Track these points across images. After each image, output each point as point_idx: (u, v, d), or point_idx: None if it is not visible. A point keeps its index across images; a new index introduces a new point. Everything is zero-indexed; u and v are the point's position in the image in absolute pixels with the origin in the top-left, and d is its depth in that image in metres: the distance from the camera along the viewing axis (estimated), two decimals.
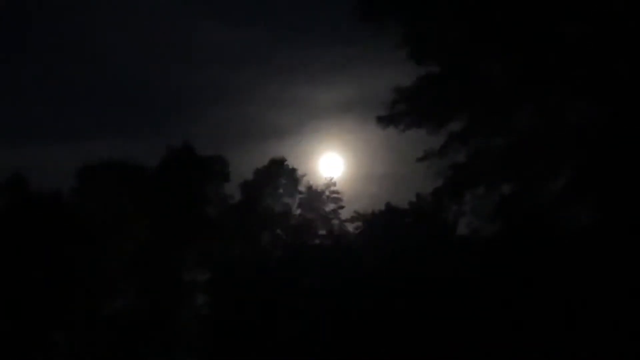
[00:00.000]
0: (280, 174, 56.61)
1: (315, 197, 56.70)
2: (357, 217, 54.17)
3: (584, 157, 32.65)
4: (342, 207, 56.65)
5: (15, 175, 52.52)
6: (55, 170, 59.21)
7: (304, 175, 56.89)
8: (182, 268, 53.75)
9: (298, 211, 56.64)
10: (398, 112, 36.79)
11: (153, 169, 54.61)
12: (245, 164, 57.25)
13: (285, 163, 56.65)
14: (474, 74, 35.04)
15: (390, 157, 59.71)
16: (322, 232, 55.98)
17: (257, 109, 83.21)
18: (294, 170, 56.67)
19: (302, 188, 56.79)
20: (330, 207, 56.83)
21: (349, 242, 52.76)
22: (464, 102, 35.85)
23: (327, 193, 56.87)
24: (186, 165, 54.75)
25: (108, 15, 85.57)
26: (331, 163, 62.62)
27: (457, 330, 38.39)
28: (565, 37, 32.18)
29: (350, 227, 55.12)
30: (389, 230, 48.97)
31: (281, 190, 56.77)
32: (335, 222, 56.37)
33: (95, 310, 51.16)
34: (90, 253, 50.69)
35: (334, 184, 57.18)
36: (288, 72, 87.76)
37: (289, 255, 53.25)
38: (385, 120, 37.12)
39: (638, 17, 30.38)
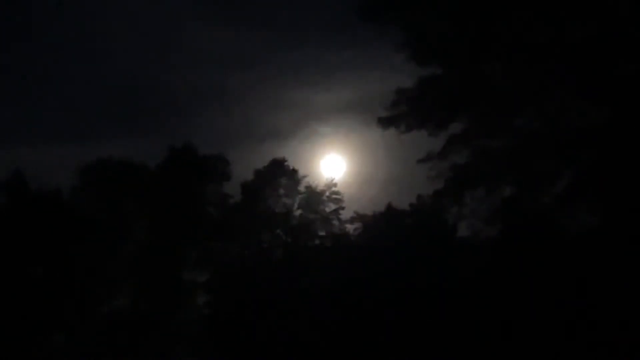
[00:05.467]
0: (281, 174, 56.44)
1: (316, 197, 56.54)
2: (357, 218, 54.15)
3: (585, 159, 32.67)
4: (342, 208, 56.47)
5: (15, 174, 52.45)
6: (56, 170, 59.14)
7: (304, 176, 56.76)
8: (183, 267, 53.68)
9: (298, 212, 56.50)
10: (399, 114, 36.81)
11: (154, 169, 54.58)
12: (245, 166, 57.13)
13: (286, 164, 56.59)
14: (475, 76, 35.06)
15: (391, 158, 59.63)
16: (322, 233, 55.90)
17: (256, 110, 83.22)
18: (294, 170, 56.52)
19: (302, 189, 56.66)
20: (330, 208, 56.63)
21: (349, 243, 52.72)
22: (465, 103, 35.86)
23: (327, 194, 56.71)
24: (187, 165, 54.70)
25: (109, 16, 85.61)
26: (332, 164, 62.53)
27: (457, 331, 38.41)
28: (567, 39, 32.19)
29: (350, 228, 55.13)
30: (389, 232, 48.95)
31: (282, 191, 56.60)
32: (336, 223, 56.21)
33: (95, 309, 51.14)
34: (90, 252, 50.68)
35: (335, 185, 57.00)
36: (287, 74, 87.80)
37: (289, 255, 53.25)
38: (386, 122, 37.14)
39: (639, 19, 30.40)
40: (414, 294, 41.57)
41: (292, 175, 56.60)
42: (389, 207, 51.72)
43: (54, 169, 59.82)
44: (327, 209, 56.67)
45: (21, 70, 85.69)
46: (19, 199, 51.94)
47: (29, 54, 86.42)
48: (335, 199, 56.79)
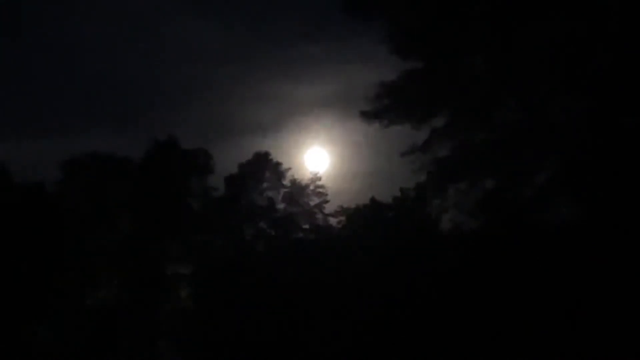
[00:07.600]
0: (265, 167, 56.56)
1: (300, 191, 56.70)
2: (341, 211, 54.33)
3: (567, 152, 32.86)
4: (326, 202, 56.69)
5: None
6: (40, 164, 58.87)
7: (288, 169, 56.92)
8: (166, 261, 53.70)
9: (282, 205, 56.64)
10: (382, 107, 36.90)
11: (137, 162, 54.54)
12: (229, 159, 57.23)
13: (270, 157, 56.68)
14: (457, 69, 35.20)
15: (374, 151, 59.87)
16: (306, 226, 56.05)
17: (239, 105, 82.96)
18: (278, 164, 56.66)
19: (286, 182, 56.81)
20: (314, 201, 56.83)
21: (333, 237, 52.90)
22: (448, 97, 36.00)
23: (311, 187, 56.87)
24: (170, 158, 54.68)
25: (92, 10, 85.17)
26: (316, 158, 62.68)
27: (440, 323, 38.57)
28: (549, 33, 32.36)
29: (334, 222, 55.32)
30: (372, 225, 49.13)
31: (265, 184, 56.73)
32: (319, 216, 56.42)
33: (78, 302, 51.05)
34: (73, 245, 50.57)
35: (319, 179, 57.18)
36: (268, 68, 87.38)
37: (272, 248, 53.33)
38: (369, 115, 37.23)
39: (621, 14, 30.60)
40: (397, 287, 41.72)
41: (276, 169, 56.74)
42: (372, 200, 51.94)
43: (37, 162, 59.56)
44: (311, 202, 56.86)
45: (4, 65, 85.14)
46: (2, 192, 51.71)
47: (12, 49, 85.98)
48: (319, 192, 56.98)
